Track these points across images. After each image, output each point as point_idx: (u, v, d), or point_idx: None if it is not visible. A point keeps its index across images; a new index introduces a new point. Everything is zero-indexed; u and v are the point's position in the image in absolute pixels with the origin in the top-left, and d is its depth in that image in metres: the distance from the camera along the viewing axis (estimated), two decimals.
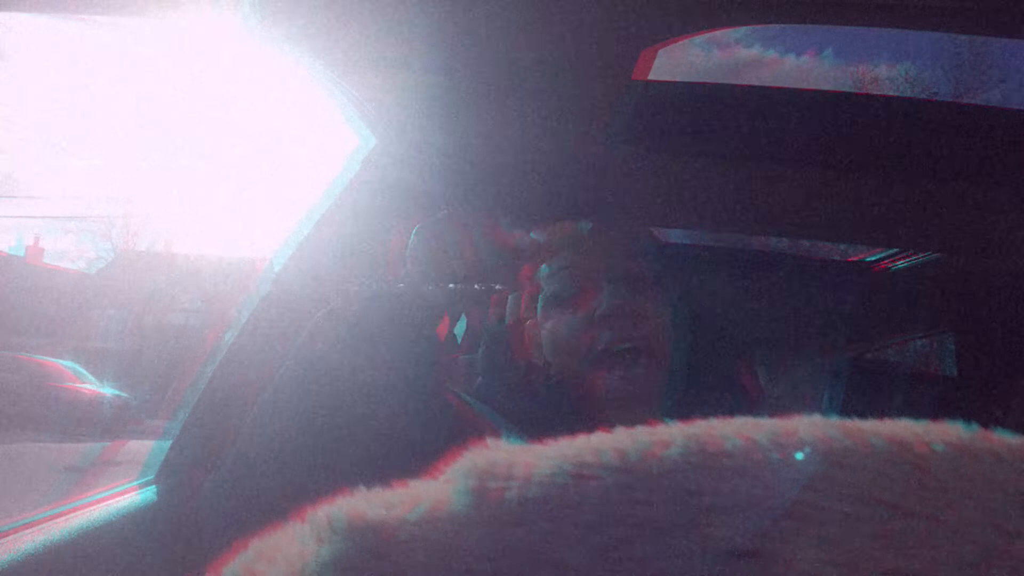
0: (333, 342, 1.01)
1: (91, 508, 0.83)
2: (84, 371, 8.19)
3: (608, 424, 0.23)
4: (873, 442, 0.19)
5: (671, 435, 0.20)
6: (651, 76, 0.86)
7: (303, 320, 1.07)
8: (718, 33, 0.80)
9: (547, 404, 0.85)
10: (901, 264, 1.69)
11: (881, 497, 0.18)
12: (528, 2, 0.71)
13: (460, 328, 1.56)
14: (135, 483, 0.94)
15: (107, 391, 7.91)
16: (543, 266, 0.94)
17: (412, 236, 0.95)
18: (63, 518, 0.78)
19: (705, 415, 0.22)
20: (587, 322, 0.84)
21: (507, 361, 1.02)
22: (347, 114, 0.95)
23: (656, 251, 0.96)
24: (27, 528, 0.74)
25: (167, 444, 0.99)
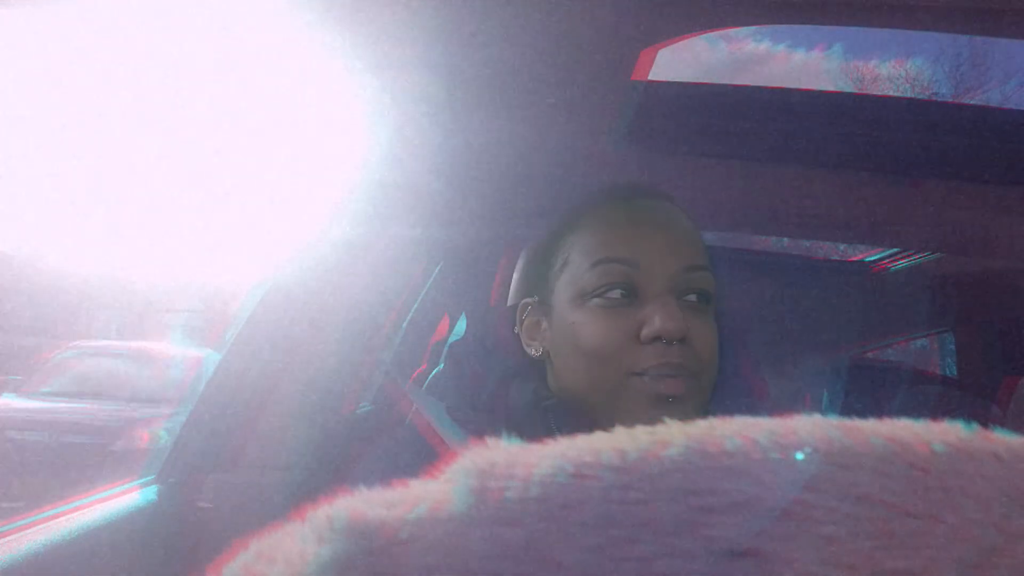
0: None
1: (91, 508, 0.83)
2: None
3: None
4: (873, 442, 0.19)
5: (671, 435, 0.20)
6: (651, 76, 0.87)
7: (304, 319, 1.07)
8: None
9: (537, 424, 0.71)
10: (901, 264, 1.69)
11: (881, 497, 0.18)
12: (528, 2, 0.72)
13: (460, 326, 1.56)
14: (135, 483, 0.95)
15: None
16: (575, 249, 0.74)
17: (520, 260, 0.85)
18: (63, 518, 0.78)
19: (714, 414, 0.22)
20: (632, 336, 0.69)
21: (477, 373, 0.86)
22: (348, 114, 0.95)
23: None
24: (27, 528, 0.74)
25: (167, 444, 1.00)
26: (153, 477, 0.96)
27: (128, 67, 0.78)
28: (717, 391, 0.75)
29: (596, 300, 0.71)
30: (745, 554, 0.17)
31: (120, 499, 0.88)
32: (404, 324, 1.43)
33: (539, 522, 0.18)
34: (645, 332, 0.68)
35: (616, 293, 0.71)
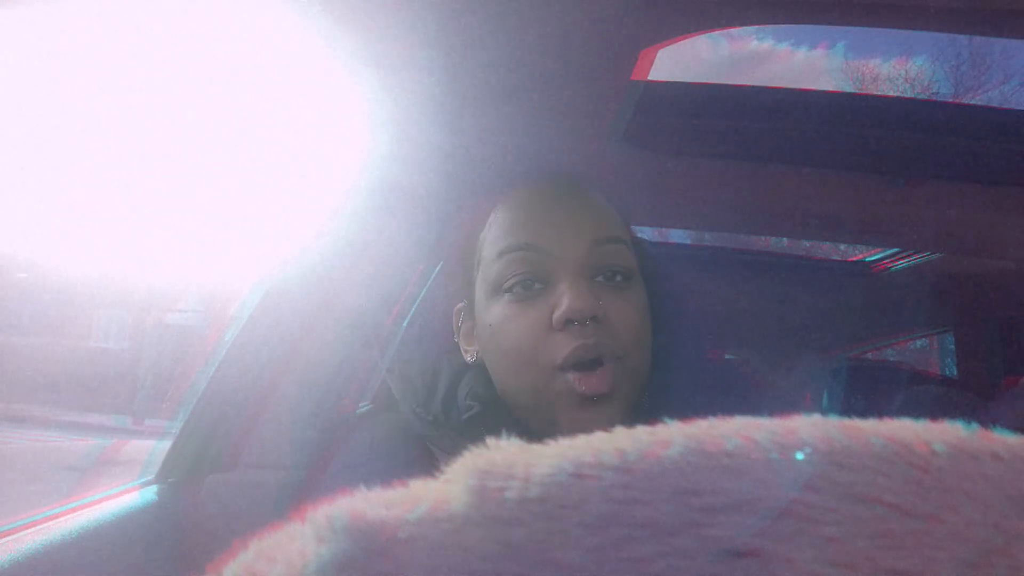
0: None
1: (91, 508, 0.83)
2: None
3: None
4: (873, 442, 0.19)
5: (671, 435, 0.20)
6: (651, 76, 0.87)
7: (303, 319, 1.07)
8: None
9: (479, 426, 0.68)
10: (901, 264, 1.70)
11: (881, 497, 0.18)
12: (528, 2, 0.72)
13: None
14: (135, 483, 0.94)
15: None
16: (486, 243, 0.72)
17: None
18: (63, 518, 0.78)
19: (711, 412, 0.22)
20: (547, 326, 0.66)
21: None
22: (348, 114, 0.95)
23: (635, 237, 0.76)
24: (27, 528, 0.74)
25: (167, 444, 1.00)
26: (153, 477, 0.96)
27: (127, 67, 0.78)
28: (718, 389, 0.75)
29: (508, 294, 0.68)
30: (745, 554, 0.17)
31: (120, 499, 0.88)
32: (404, 324, 1.43)
33: (539, 522, 0.18)
34: (555, 316, 0.65)
35: (525, 282, 0.68)
